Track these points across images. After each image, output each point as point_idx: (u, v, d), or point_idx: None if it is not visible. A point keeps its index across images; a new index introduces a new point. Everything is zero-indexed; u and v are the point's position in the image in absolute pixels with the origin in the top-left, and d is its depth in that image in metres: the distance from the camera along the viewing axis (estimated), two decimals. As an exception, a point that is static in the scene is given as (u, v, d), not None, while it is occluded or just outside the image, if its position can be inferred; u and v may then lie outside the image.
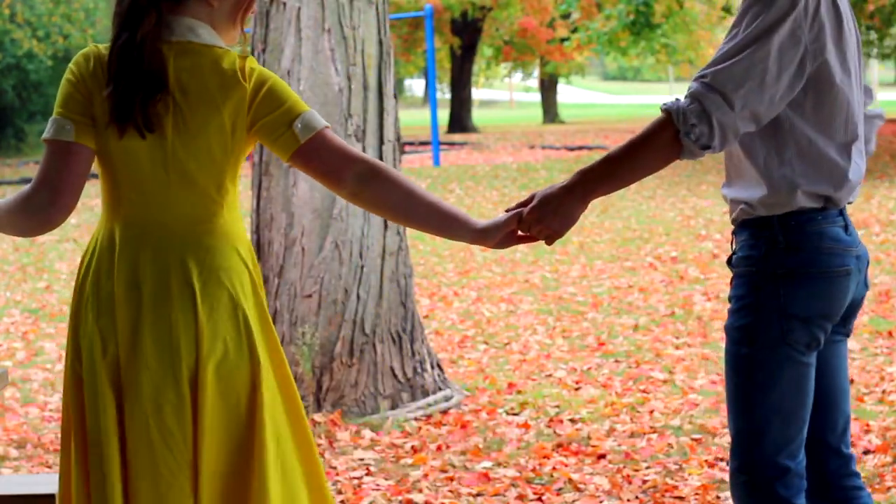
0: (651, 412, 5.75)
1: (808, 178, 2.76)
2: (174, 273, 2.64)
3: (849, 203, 2.86)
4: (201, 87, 2.68)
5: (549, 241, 2.75)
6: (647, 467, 4.93)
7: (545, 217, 2.70)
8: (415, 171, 19.39)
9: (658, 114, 2.73)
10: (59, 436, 2.80)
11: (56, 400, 6.53)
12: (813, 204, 2.77)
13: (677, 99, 2.71)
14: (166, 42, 2.70)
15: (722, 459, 4.92)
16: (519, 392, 6.28)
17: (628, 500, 4.56)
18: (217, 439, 2.62)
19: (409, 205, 2.73)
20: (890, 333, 7.17)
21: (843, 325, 2.92)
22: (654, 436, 5.35)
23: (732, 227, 2.89)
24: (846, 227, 2.82)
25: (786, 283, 2.77)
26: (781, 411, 2.82)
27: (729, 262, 2.92)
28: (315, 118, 2.71)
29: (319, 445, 5.42)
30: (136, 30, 2.67)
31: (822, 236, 2.78)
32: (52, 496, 3.51)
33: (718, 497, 4.50)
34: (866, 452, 4.97)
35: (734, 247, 2.89)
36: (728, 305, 2.89)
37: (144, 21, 2.68)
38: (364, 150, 5.85)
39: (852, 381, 6.10)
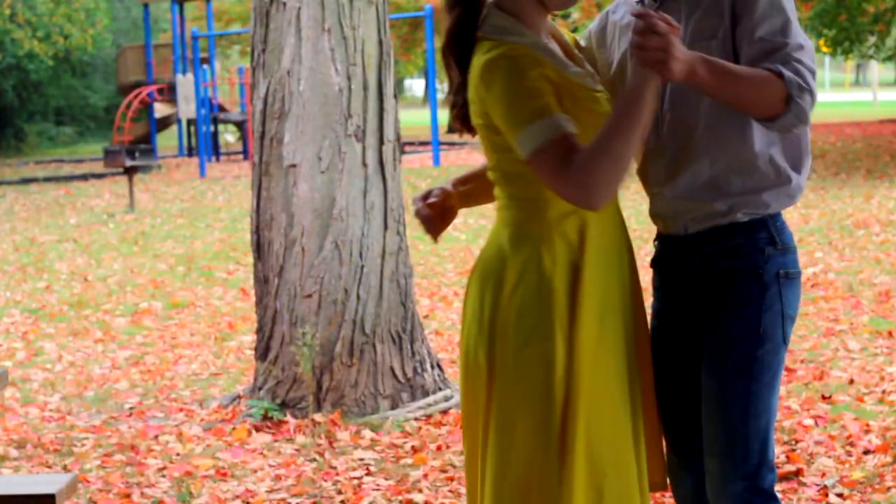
0: (651, 412, 5.74)
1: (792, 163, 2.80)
2: None
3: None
4: (470, 90, 2.66)
5: (647, 59, 2.44)
6: (647, 467, 4.92)
7: (667, 42, 2.42)
8: (415, 171, 19.39)
9: None
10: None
11: (56, 400, 6.53)
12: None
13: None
14: (477, 40, 2.66)
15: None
16: (519, 392, 6.27)
17: (628, 500, 4.56)
18: None
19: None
20: (890, 333, 7.17)
21: None
22: (654, 436, 5.34)
23: (705, 225, 2.80)
24: None
25: (785, 285, 2.77)
26: (775, 411, 2.81)
27: (691, 264, 2.83)
28: (532, 135, 2.54)
29: (319, 446, 5.43)
30: (452, 17, 2.67)
31: (792, 237, 2.82)
32: (52, 496, 3.51)
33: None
34: (866, 452, 4.96)
35: (710, 248, 2.80)
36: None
37: (452, 16, 2.66)
38: (364, 150, 5.85)
39: (852, 381, 6.10)
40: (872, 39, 24.98)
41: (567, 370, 2.61)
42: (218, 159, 26.47)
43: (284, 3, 5.83)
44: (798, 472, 4.70)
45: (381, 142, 5.92)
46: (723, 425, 2.78)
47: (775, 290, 2.76)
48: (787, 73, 2.60)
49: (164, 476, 5.11)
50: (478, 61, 2.61)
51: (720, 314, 2.79)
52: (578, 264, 2.64)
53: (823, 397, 5.81)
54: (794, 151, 2.78)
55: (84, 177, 22.82)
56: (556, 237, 2.64)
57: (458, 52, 2.65)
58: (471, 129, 2.73)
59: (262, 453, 5.36)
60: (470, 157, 23.63)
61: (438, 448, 5.33)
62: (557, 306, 2.62)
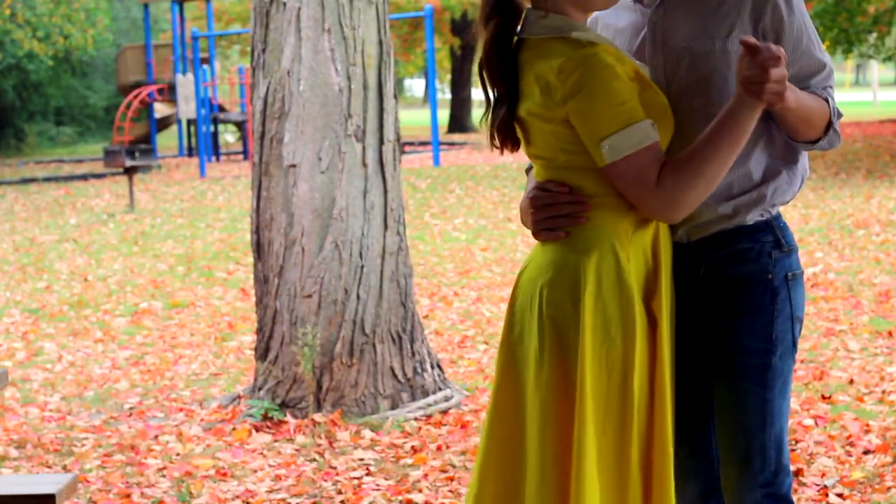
0: (651, 412, 5.74)
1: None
2: None
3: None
4: (531, 90, 2.56)
5: (765, 93, 2.47)
6: (647, 467, 4.92)
7: (784, 75, 2.47)
8: (415, 171, 19.39)
9: None
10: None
11: (56, 400, 6.53)
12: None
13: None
14: (521, 41, 2.58)
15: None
16: (519, 392, 6.27)
17: (628, 500, 4.55)
18: None
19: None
20: (890, 333, 7.17)
21: None
22: (654, 436, 5.34)
23: (710, 231, 2.75)
24: None
25: (793, 287, 2.75)
26: (787, 415, 2.79)
27: (697, 271, 2.77)
28: (622, 142, 2.49)
29: (319, 446, 5.43)
30: (490, 28, 2.58)
31: (793, 237, 2.81)
32: (52, 496, 3.51)
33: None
34: (866, 452, 4.97)
35: (717, 253, 2.76)
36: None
37: (490, 27, 2.58)
38: (364, 150, 5.85)
39: (852, 382, 6.10)
40: (872, 39, 24.98)
41: (649, 373, 2.59)
42: (218, 159, 26.47)
43: (284, 3, 5.83)
44: (798, 473, 4.69)
45: (381, 142, 5.92)
46: (740, 435, 2.75)
47: (785, 294, 2.74)
48: (830, 100, 2.70)
49: (164, 476, 5.11)
50: (550, 62, 2.52)
51: (731, 323, 2.74)
52: (653, 265, 2.62)
53: (823, 397, 5.81)
54: (786, 146, 2.76)
55: (84, 177, 22.82)
56: (631, 234, 2.60)
57: (501, 64, 2.58)
58: (514, 143, 2.65)
59: (262, 453, 5.36)
60: (470, 156, 23.63)
61: (438, 448, 5.33)
62: (637, 306, 2.58)
